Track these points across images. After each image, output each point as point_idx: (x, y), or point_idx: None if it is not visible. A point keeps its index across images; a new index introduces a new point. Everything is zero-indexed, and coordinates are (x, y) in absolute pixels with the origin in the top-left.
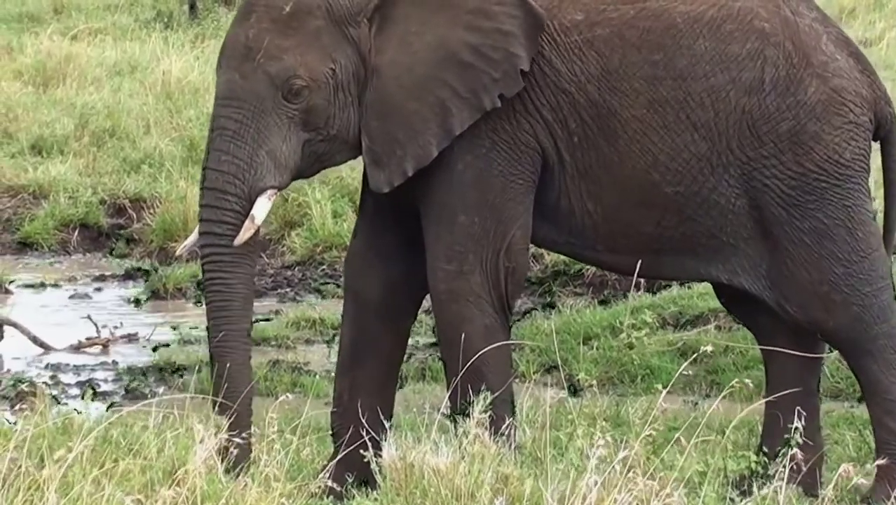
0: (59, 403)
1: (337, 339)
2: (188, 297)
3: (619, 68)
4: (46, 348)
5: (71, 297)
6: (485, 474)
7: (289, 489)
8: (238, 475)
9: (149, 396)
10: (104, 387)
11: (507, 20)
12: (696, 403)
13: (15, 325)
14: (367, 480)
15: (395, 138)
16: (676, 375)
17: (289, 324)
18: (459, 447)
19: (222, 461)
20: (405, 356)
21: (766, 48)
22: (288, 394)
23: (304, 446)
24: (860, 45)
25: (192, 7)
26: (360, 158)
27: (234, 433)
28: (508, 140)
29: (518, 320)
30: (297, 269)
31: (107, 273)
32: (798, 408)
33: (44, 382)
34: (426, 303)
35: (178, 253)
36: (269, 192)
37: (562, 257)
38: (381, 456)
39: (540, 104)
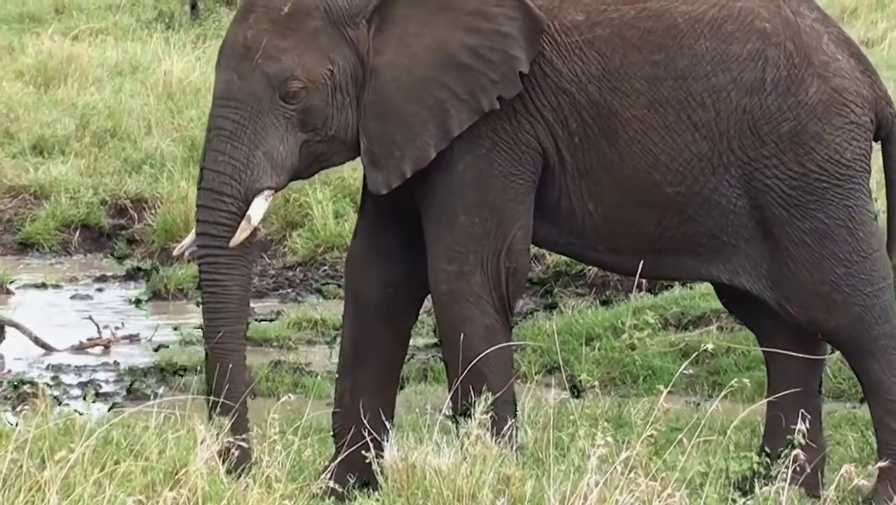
0: (60, 403)
1: (338, 339)
2: (189, 297)
3: (620, 68)
4: (48, 349)
5: (72, 297)
6: (486, 475)
7: (290, 490)
8: (239, 476)
9: (150, 396)
10: (105, 388)
11: (507, 22)
12: (699, 404)
13: (16, 325)
14: (368, 481)
15: (393, 139)
16: (677, 374)
17: (290, 325)
18: (461, 448)
19: (223, 462)
20: (406, 357)
21: (767, 48)
22: (289, 395)
23: (305, 447)
24: (862, 45)
25: (194, 7)
26: (360, 159)
27: (236, 435)
28: (509, 140)
29: (520, 321)
30: (298, 269)
31: (108, 274)
32: (800, 409)
33: (45, 383)
34: (428, 303)
35: (175, 253)
36: (266, 192)
37: (563, 258)
38: (382, 457)
39: (541, 104)
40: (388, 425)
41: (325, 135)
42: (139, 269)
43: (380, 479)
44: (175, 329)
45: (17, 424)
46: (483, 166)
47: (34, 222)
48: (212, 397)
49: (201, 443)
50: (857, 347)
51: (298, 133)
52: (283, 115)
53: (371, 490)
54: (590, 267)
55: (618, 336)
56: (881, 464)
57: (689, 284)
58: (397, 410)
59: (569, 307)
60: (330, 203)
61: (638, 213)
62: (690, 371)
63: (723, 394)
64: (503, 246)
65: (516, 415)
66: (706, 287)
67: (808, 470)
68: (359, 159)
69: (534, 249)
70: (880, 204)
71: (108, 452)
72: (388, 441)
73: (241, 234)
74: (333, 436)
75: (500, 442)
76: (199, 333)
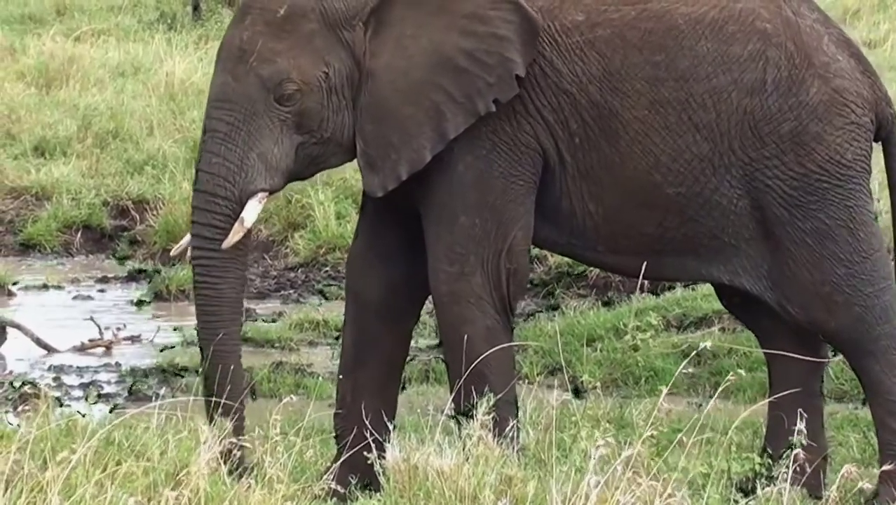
0: (62, 404)
1: (340, 340)
2: (191, 298)
3: (621, 69)
4: (49, 350)
5: (74, 298)
6: (488, 476)
7: (292, 491)
8: (241, 477)
9: (152, 397)
10: (107, 389)
11: (503, 25)
12: (700, 405)
13: (18, 326)
14: (370, 482)
15: (389, 142)
16: (676, 373)
17: (292, 326)
18: (463, 449)
19: (225, 463)
20: (408, 357)
21: (767, 49)
22: (291, 396)
23: (307, 448)
24: (865, 46)
25: (196, 8)
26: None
27: (238, 436)
28: (509, 141)
29: (522, 322)
30: (300, 270)
31: (110, 275)
32: (801, 409)
33: (47, 384)
34: (429, 304)
35: (173, 253)
36: (260, 195)
37: (565, 259)
38: (384, 458)
39: (541, 105)
40: (389, 426)
41: (321, 137)
42: (141, 270)
43: (382, 480)
44: (177, 330)
45: (18, 425)
46: (483, 167)
47: (36, 223)
48: (211, 399)
49: (203, 444)
50: (858, 347)
51: (294, 135)
52: (277, 117)
53: (373, 491)
54: (592, 268)
55: (620, 337)
56: (886, 467)
57: (691, 286)
58: (399, 411)
59: (571, 308)
60: (332, 204)
61: (639, 214)
62: (691, 370)
63: (721, 388)
64: (504, 247)
65: (518, 416)
66: (708, 288)
67: (810, 471)
68: None
69: (535, 251)
70: (883, 204)
71: (110, 452)
72: (389, 442)
73: (234, 237)
74: (335, 437)
75: (502, 443)
76: None
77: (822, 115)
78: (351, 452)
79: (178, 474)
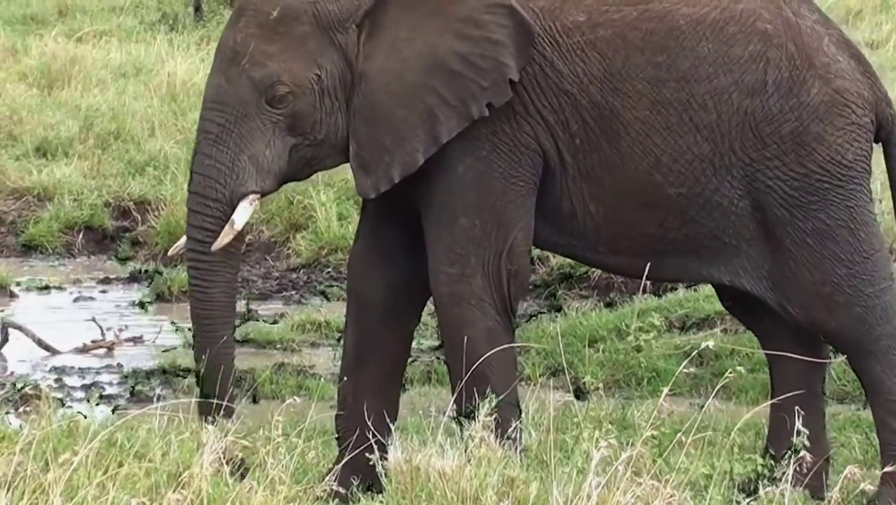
0: (63, 406)
1: (342, 342)
2: None
3: (622, 70)
4: (51, 351)
5: (75, 299)
6: (490, 477)
7: (294, 492)
8: (242, 478)
9: (154, 398)
10: (109, 390)
11: (497, 29)
12: (703, 406)
13: (19, 327)
14: (372, 484)
15: (382, 144)
16: (677, 372)
17: (294, 327)
18: (465, 450)
19: (227, 464)
20: (410, 359)
21: (768, 50)
22: (293, 397)
23: (309, 449)
24: (867, 47)
25: (198, 9)
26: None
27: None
28: (509, 142)
29: (524, 323)
30: (302, 271)
31: (111, 276)
32: (803, 411)
33: (48, 385)
34: (431, 305)
35: (170, 253)
36: (251, 197)
37: (567, 260)
38: (386, 459)
39: (541, 106)
40: (391, 427)
41: (315, 139)
42: (142, 271)
43: (384, 481)
44: (178, 331)
45: (20, 427)
46: (483, 168)
47: (37, 224)
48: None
49: (205, 445)
50: (859, 347)
51: (287, 137)
52: (269, 119)
53: (375, 492)
54: (594, 269)
55: (622, 338)
56: (888, 469)
57: (693, 286)
58: (401, 412)
59: (573, 309)
60: (333, 205)
61: (639, 215)
62: (692, 369)
63: (720, 386)
64: (504, 248)
65: (520, 417)
66: (710, 289)
67: (813, 472)
68: None
69: (537, 252)
70: (885, 205)
71: (112, 454)
72: (391, 443)
73: (224, 239)
74: (337, 438)
75: (504, 444)
76: None
77: (823, 115)
78: (353, 454)
79: (180, 476)
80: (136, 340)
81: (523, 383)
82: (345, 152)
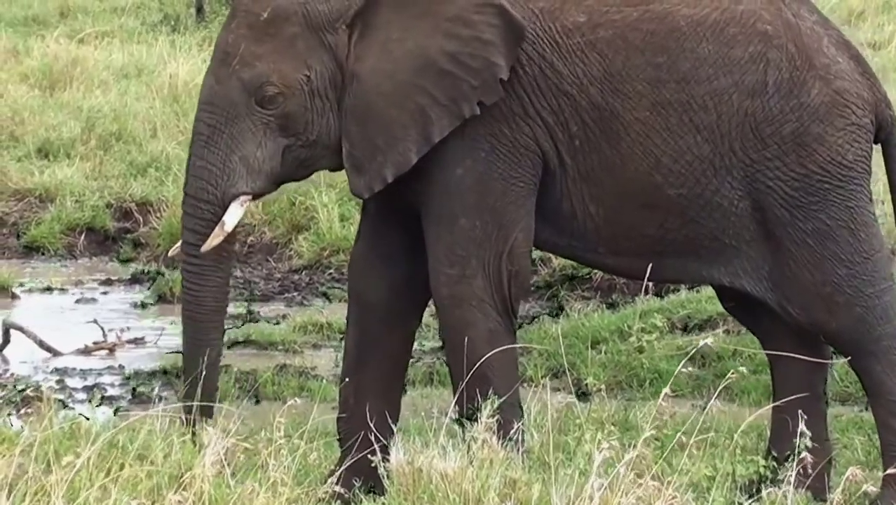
0: (65, 407)
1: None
2: None
3: (622, 71)
4: (53, 353)
5: (77, 301)
6: (493, 479)
7: (296, 494)
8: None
9: (155, 400)
10: (111, 391)
11: (487, 29)
12: (705, 408)
13: (21, 329)
14: (374, 485)
15: (375, 144)
16: (676, 372)
17: (296, 328)
18: (467, 452)
19: (229, 465)
20: (412, 360)
21: (768, 51)
22: (295, 398)
23: (311, 451)
24: (869, 47)
25: (199, 10)
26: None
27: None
28: (508, 143)
29: (526, 325)
30: (304, 273)
31: (113, 277)
32: (805, 412)
33: (50, 387)
34: (432, 306)
35: (170, 254)
36: (242, 198)
37: (569, 261)
38: (388, 460)
39: (541, 107)
40: (393, 429)
41: (307, 140)
42: (144, 272)
43: (386, 483)
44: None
45: (22, 428)
46: (483, 170)
47: (39, 226)
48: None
49: (207, 446)
50: (859, 348)
51: (279, 138)
52: (260, 120)
53: (377, 494)
54: (596, 270)
55: (624, 339)
56: (891, 470)
57: (695, 288)
58: (403, 414)
59: (575, 311)
60: (335, 206)
61: (639, 216)
62: (692, 370)
63: (722, 386)
64: (505, 249)
65: (522, 418)
66: (712, 290)
67: (815, 474)
68: None
69: (540, 253)
70: (886, 207)
71: (114, 456)
72: (393, 445)
73: (214, 240)
74: (339, 440)
75: (506, 446)
76: None
77: (824, 116)
78: (355, 455)
79: (181, 477)
80: (138, 342)
81: (525, 385)
82: (339, 152)
